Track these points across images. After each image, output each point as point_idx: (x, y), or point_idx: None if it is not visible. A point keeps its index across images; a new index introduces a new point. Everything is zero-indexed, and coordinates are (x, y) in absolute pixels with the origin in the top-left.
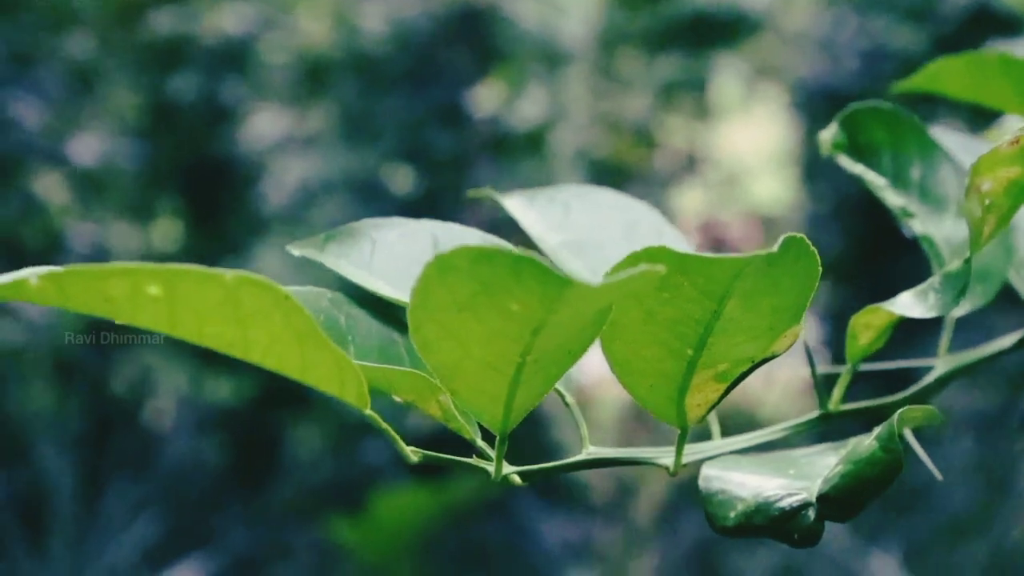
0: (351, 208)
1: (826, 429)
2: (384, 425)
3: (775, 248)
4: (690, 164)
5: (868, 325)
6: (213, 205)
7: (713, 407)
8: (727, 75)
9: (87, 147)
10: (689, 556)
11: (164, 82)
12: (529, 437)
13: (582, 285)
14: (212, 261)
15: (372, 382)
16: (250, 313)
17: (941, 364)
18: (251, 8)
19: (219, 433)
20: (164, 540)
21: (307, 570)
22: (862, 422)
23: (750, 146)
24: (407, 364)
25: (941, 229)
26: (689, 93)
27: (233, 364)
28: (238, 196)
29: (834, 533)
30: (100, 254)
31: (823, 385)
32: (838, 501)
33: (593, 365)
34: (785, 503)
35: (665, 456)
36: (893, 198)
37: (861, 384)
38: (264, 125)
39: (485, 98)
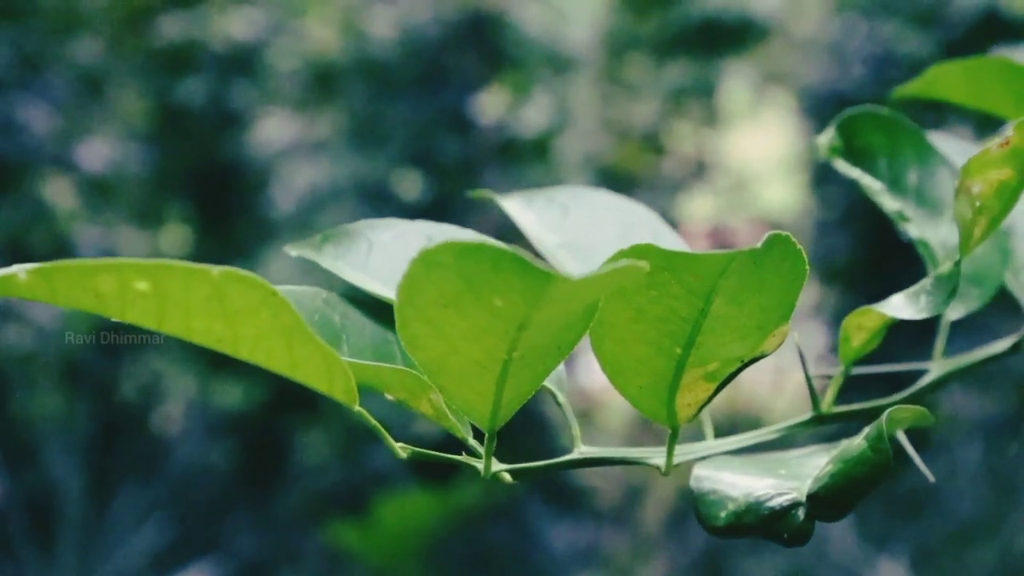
0: (359, 213)
1: (822, 431)
2: (373, 421)
3: (760, 245)
4: (698, 170)
5: (861, 327)
6: (222, 210)
7: (703, 406)
8: (735, 81)
9: (95, 152)
10: (697, 561)
11: (173, 87)
12: (533, 443)
13: (564, 280)
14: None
15: (364, 380)
16: (237, 309)
17: (936, 368)
18: (260, 13)
19: (227, 438)
20: (172, 544)
21: (314, 574)
22: (857, 424)
23: (759, 152)
24: (400, 363)
25: (937, 233)
26: (697, 99)
27: (241, 369)
28: (247, 201)
29: (842, 538)
30: None
31: (817, 388)
32: (828, 500)
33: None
34: (775, 502)
35: (657, 456)
36: (889, 202)
37: (859, 388)
38: (273, 130)
39: (492, 104)
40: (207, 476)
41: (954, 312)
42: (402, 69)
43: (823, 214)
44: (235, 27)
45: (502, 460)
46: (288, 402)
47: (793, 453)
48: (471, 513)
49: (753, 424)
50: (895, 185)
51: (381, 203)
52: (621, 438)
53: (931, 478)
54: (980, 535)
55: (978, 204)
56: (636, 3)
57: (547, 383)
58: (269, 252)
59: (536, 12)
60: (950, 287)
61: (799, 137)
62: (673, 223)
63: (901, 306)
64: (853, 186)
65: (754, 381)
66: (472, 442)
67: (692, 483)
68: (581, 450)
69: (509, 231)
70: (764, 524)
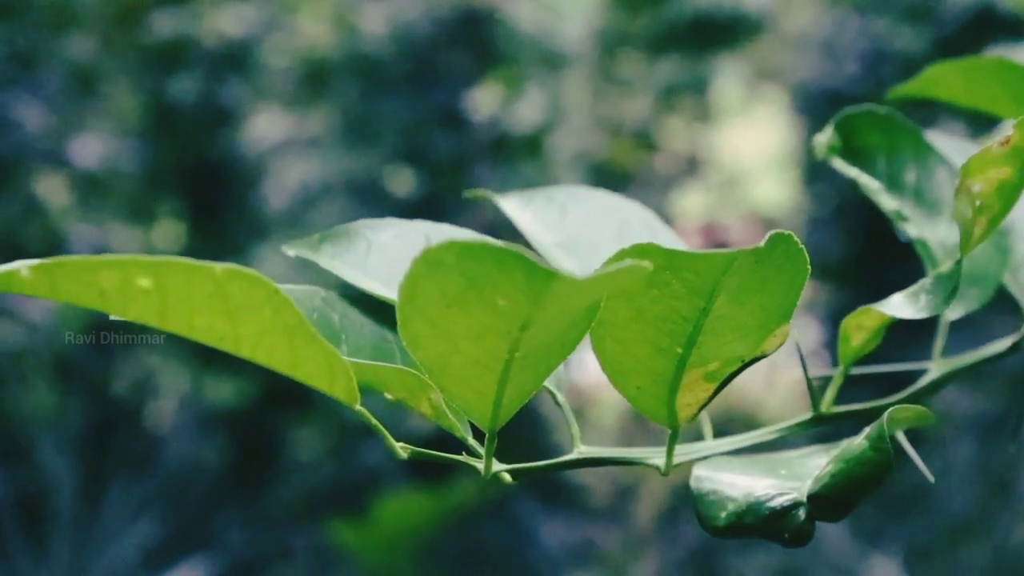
0: (352, 210)
1: (820, 431)
2: (374, 421)
3: (762, 244)
4: (691, 167)
5: (860, 326)
6: (214, 207)
7: (703, 407)
8: (728, 77)
9: (88, 148)
10: (689, 559)
11: (165, 84)
12: (528, 440)
13: (568, 279)
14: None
15: (363, 379)
16: (240, 306)
17: (935, 367)
18: (252, 10)
19: (220, 434)
20: (165, 541)
21: (307, 572)
22: (856, 424)
23: (751, 149)
24: (399, 363)
25: (936, 232)
26: (690, 95)
27: (234, 365)
28: (239, 198)
29: (835, 536)
30: None
31: (817, 387)
32: (829, 500)
33: (593, 367)
34: (776, 503)
35: (656, 456)
36: (888, 202)
37: (858, 387)
38: (265, 127)
39: (485, 100)
40: (199, 473)
41: (953, 312)
42: (394, 65)
43: (815, 211)
44: (227, 24)
45: (500, 458)
46: (280, 399)
47: (793, 453)
48: (464, 511)
49: (746, 423)
50: (893, 184)
51: (373, 200)
52: (615, 435)
53: (931, 478)
54: (973, 533)
55: (978, 203)
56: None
57: (547, 383)
58: (262, 249)
59: (528, 8)
60: (951, 286)
61: (791, 133)
62: (666, 220)
63: (901, 305)
64: (845, 183)
65: (746, 379)
66: (472, 442)
67: (692, 483)
68: (580, 450)
69: (501, 228)
70: (765, 524)
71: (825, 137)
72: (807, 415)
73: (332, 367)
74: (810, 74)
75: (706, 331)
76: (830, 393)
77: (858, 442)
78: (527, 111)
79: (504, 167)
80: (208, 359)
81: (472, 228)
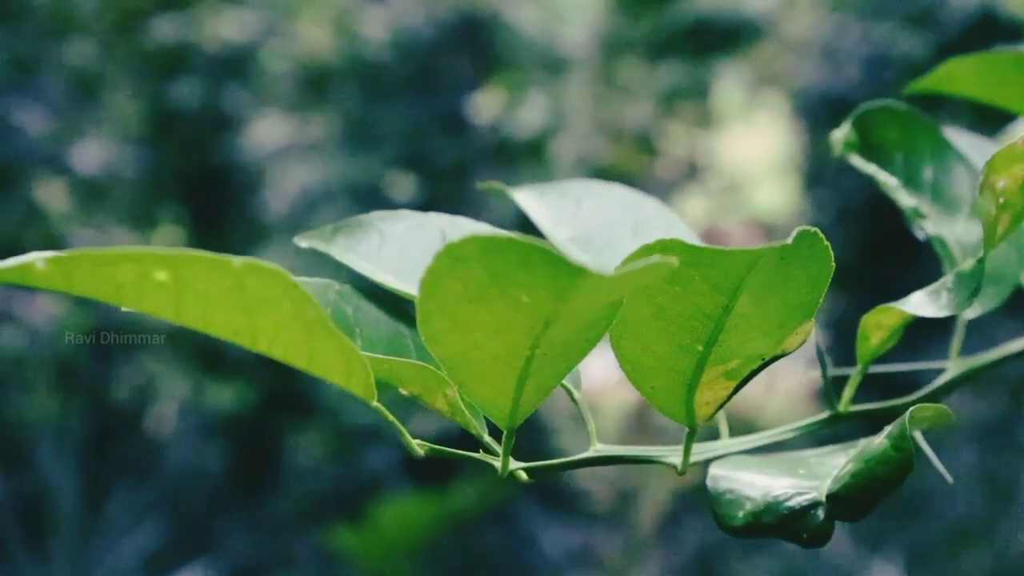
0: (352, 215)
1: (834, 431)
2: (391, 417)
3: (789, 241)
4: (691, 172)
5: (880, 325)
6: (215, 212)
7: (722, 405)
8: (729, 82)
9: (89, 154)
10: (690, 563)
11: (166, 89)
12: (533, 445)
13: (594, 275)
14: None
15: (378, 375)
16: (258, 300)
17: (953, 367)
18: (253, 16)
19: (221, 440)
20: (166, 546)
21: None
22: (870, 425)
23: (752, 154)
24: (414, 357)
25: (954, 230)
26: (690, 101)
27: (235, 371)
28: (240, 203)
29: (837, 539)
30: None
31: (831, 387)
32: (848, 500)
33: (595, 371)
34: (794, 502)
35: (673, 455)
36: (905, 199)
37: (871, 388)
38: (266, 132)
39: (486, 105)
40: (200, 478)
41: (971, 311)
42: (395, 71)
43: (816, 216)
44: (228, 29)
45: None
46: (281, 404)
47: (811, 453)
48: (465, 516)
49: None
50: (911, 181)
51: (374, 205)
52: (616, 440)
53: (949, 479)
54: (974, 537)
55: (1002, 200)
56: (630, 5)
57: (564, 381)
58: (262, 254)
59: (530, 13)
60: (973, 284)
61: (792, 139)
62: None
63: (922, 304)
64: (846, 188)
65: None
66: (488, 439)
67: (708, 482)
68: (597, 448)
69: (506, 229)
70: (783, 524)
71: (842, 133)
72: (824, 414)
73: (350, 362)
74: (811, 79)
75: (728, 329)
76: (848, 392)
77: (879, 441)
78: (529, 116)
79: (506, 172)
80: (209, 365)
81: None
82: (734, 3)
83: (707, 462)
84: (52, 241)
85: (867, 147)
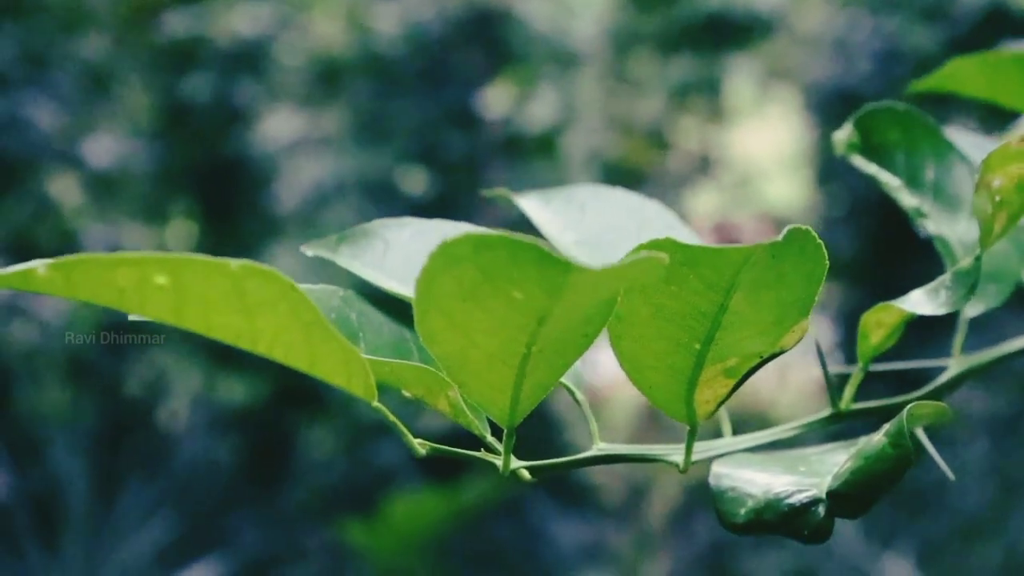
0: (364, 209)
1: (837, 428)
2: (392, 417)
3: (779, 238)
4: (703, 166)
5: (880, 323)
6: (227, 206)
7: (722, 403)
8: (740, 77)
9: (101, 148)
10: (701, 558)
11: (178, 84)
12: (542, 439)
13: (584, 270)
14: None
15: (381, 377)
16: (256, 303)
17: (955, 364)
18: (265, 10)
19: (233, 434)
20: (178, 541)
21: (320, 572)
22: (874, 422)
23: (763, 148)
24: (417, 361)
25: (955, 229)
26: (702, 95)
27: (246, 365)
28: (252, 197)
29: (848, 535)
30: None
31: (835, 385)
32: (848, 497)
33: (606, 366)
34: (795, 499)
35: (675, 453)
36: (907, 198)
37: (875, 385)
38: (278, 126)
39: (498, 100)
40: (212, 472)
41: (972, 309)
42: (407, 65)
43: (828, 210)
44: (240, 23)
45: (517, 457)
46: (293, 398)
47: (811, 450)
48: (477, 510)
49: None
50: (913, 181)
51: (386, 199)
52: (627, 435)
53: (951, 475)
54: (986, 532)
55: (998, 199)
56: None
57: (564, 380)
58: (275, 248)
59: (541, 7)
60: (970, 282)
61: (804, 133)
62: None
63: (921, 301)
64: (858, 182)
65: (759, 378)
66: (490, 439)
67: (711, 480)
68: (600, 447)
69: (516, 227)
70: (784, 521)
71: (844, 134)
72: (826, 412)
73: (350, 364)
74: (823, 74)
75: (724, 327)
76: (849, 390)
77: (877, 439)
78: (540, 110)
79: (517, 166)
80: (221, 359)
81: (486, 226)
82: None
83: (712, 460)
84: (64, 236)
85: (869, 147)
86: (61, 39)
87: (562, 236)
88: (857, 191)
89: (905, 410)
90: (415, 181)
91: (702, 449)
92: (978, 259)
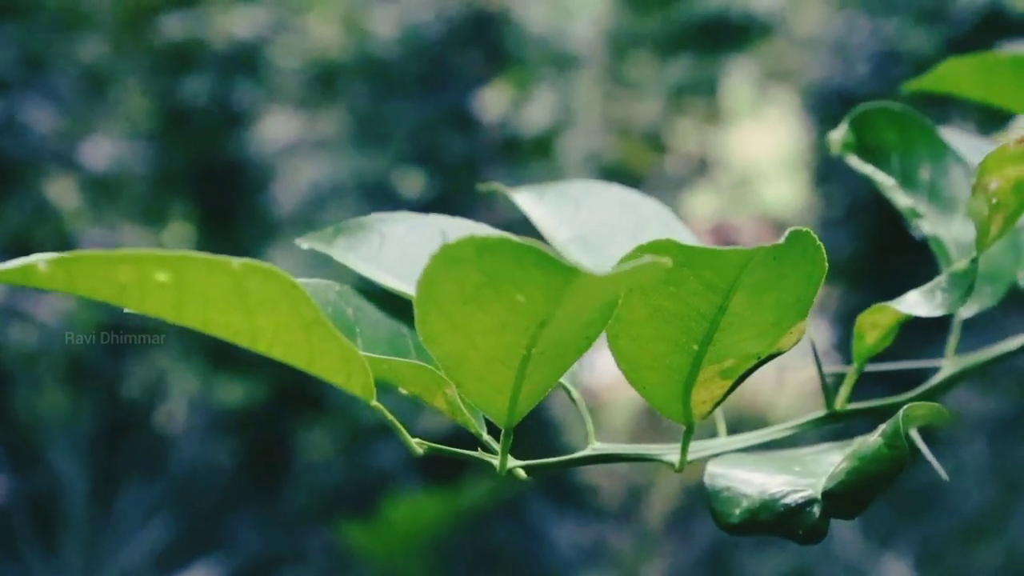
0: (362, 211)
1: (833, 429)
2: (390, 416)
3: (781, 241)
4: (701, 168)
5: (875, 324)
6: (225, 208)
7: (719, 404)
8: (738, 79)
9: (99, 151)
10: (701, 559)
11: (176, 86)
12: (540, 440)
13: (588, 275)
14: None
15: (378, 375)
16: (257, 301)
17: (949, 365)
18: (263, 12)
19: (231, 436)
20: (176, 543)
21: (319, 573)
22: (870, 422)
23: (761, 150)
24: (414, 358)
25: (950, 230)
26: (700, 97)
27: (245, 366)
28: (250, 200)
29: (847, 536)
30: None
31: (830, 385)
32: (843, 497)
33: (606, 367)
34: (790, 499)
35: (670, 453)
36: (902, 199)
37: (871, 386)
38: (275, 129)
39: (495, 102)
40: (211, 474)
41: (966, 310)
42: (404, 67)
43: (826, 211)
44: (238, 25)
45: (514, 457)
46: (292, 400)
47: (807, 450)
48: (477, 512)
49: (758, 422)
50: (908, 181)
51: (384, 201)
52: (627, 437)
53: (945, 476)
54: (985, 533)
55: (994, 201)
56: (638, 1)
57: (562, 379)
58: (272, 250)
59: (539, 10)
60: (966, 284)
61: (802, 134)
62: None
63: (916, 303)
64: (856, 183)
65: (758, 380)
66: (487, 438)
67: (706, 480)
68: (595, 446)
69: (514, 228)
70: (779, 521)
71: (839, 134)
72: (821, 412)
73: (349, 362)
74: (820, 75)
75: (722, 328)
76: (844, 390)
77: (873, 439)
78: (537, 112)
79: (515, 168)
80: (219, 361)
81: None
82: None
83: (707, 459)
84: (62, 238)
85: (864, 148)
86: (59, 41)
87: (556, 232)
88: (855, 193)
89: (901, 410)
90: (413, 183)
91: (698, 449)
92: (974, 261)
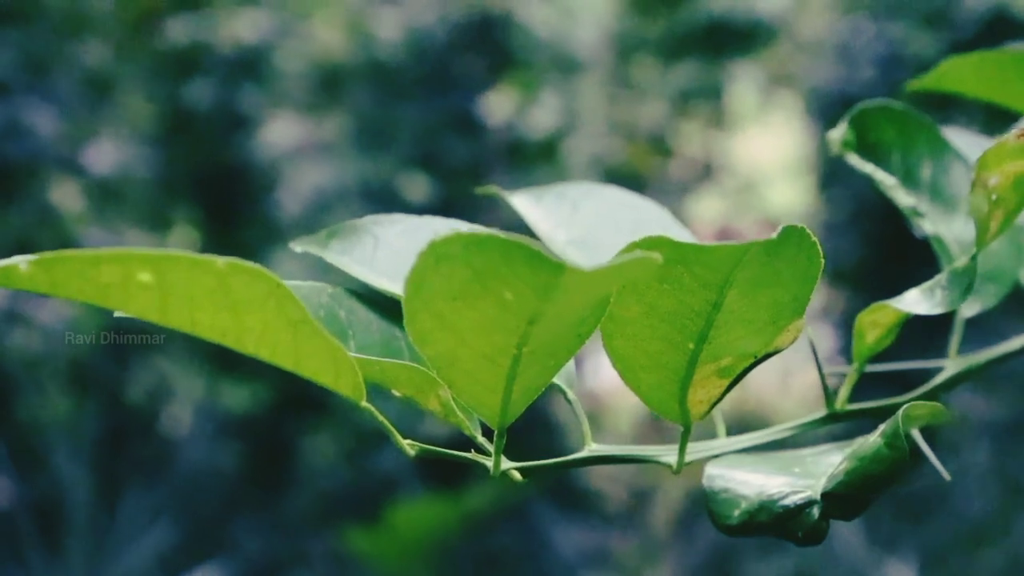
0: (366, 215)
1: (833, 429)
2: (380, 418)
3: (774, 236)
4: (706, 172)
5: (875, 323)
6: (229, 213)
7: (716, 403)
8: (743, 83)
9: (102, 155)
10: (705, 563)
11: (180, 90)
12: (541, 443)
13: (576, 271)
14: None
15: (371, 376)
16: (242, 300)
17: (951, 365)
18: (267, 16)
19: (235, 440)
20: (180, 547)
21: None
22: (871, 422)
23: (766, 154)
24: (407, 360)
25: (952, 229)
26: (705, 101)
27: (248, 371)
28: (254, 204)
29: (851, 540)
30: None
31: (830, 385)
32: (843, 498)
33: (609, 372)
34: (789, 501)
35: (668, 454)
36: (903, 197)
37: (873, 386)
38: (280, 133)
39: (500, 106)
40: (215, 478)
41: (969, 309)
42: (409, 71)
43: (831, 216)
44: (242, 30)
45: (510, 460)
46: (295, 404)
47: (807, 451)
48: (480, 517)
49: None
50: (909, 180)
51: (388, 205)
52: (630, 441)
53: (947, 476)
54: (989, 537)
55: (994, 197)
56: (643, 5)
57: (557, 380)
58: (276, 254)
59: (543, 13)
60: (966, 282)
61: (806, 139)
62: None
63: (916, 301)
64: (860, 188)
65: (761, 383)
66: (481, 440)
67: (705, 481)
68: (592, 448)
69: (517, 231)
70: (778, 523)
71: (839, 132)
72: (821, 412)
73: (337, 362)
74: (825, 79)
75: (718, 326)
76: (844, 390)
77: (873, 439)
78: (542, 116)
79: (519, 172)
80: (223, 365)
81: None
82: (748, 4)
83: (706, 461)
84: (66, 243)
85: (864, 146)
86: (63, 45)
87: (554, 235)
88: (860, 197)
89: (901, 410)
90: (417, 187)
91: (696, 450)
92: (974, 258)
